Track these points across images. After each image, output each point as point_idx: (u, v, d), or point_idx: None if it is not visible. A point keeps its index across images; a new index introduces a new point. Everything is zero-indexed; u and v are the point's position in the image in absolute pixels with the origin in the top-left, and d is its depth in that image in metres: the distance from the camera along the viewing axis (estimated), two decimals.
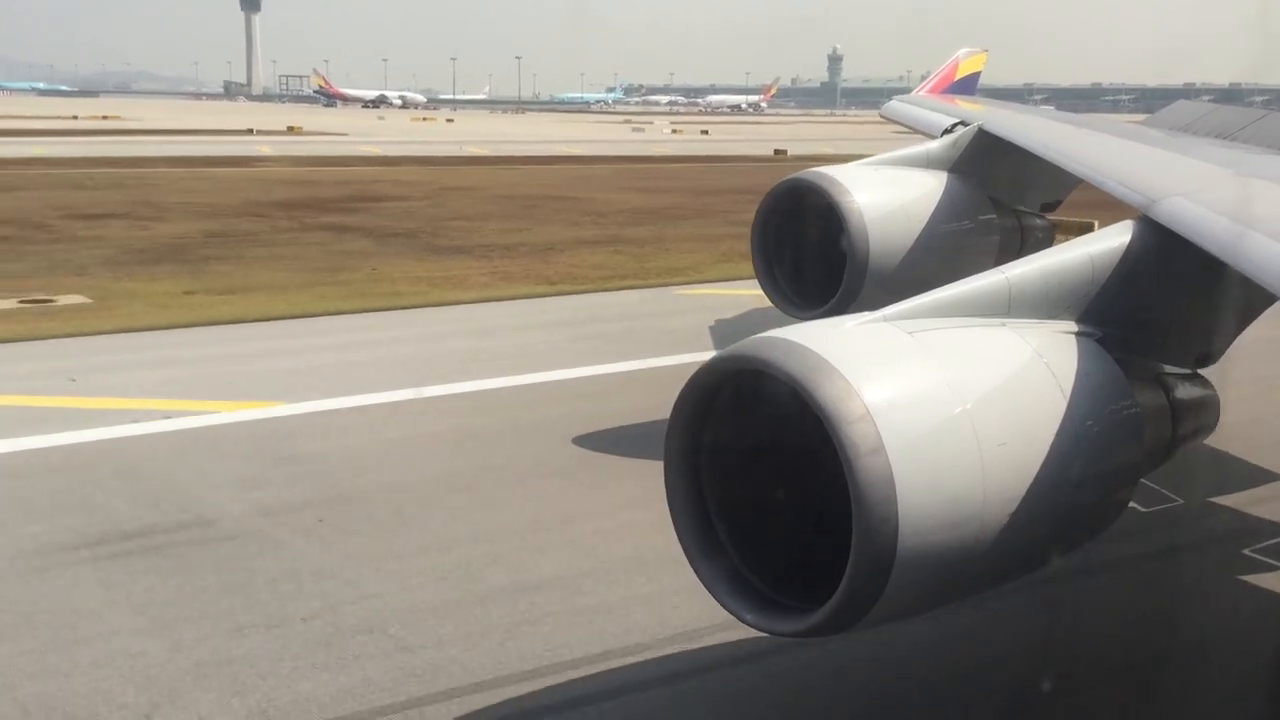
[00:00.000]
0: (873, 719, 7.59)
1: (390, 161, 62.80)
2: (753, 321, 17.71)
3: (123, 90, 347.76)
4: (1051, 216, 13.52)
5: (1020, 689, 7.76)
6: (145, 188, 43.50)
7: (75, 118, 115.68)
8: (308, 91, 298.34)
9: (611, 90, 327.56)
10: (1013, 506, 5.29)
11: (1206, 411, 6.96)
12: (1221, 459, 11.81)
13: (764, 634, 5.76)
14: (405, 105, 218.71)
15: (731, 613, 5.63)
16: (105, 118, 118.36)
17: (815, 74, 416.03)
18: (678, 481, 5.72)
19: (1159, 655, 8.32)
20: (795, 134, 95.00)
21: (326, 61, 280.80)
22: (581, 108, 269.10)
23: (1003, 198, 12.64)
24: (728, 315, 19.58)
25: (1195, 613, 8.94)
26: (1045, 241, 12.61)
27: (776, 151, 71.64)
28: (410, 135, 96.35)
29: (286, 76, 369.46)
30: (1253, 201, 7.00)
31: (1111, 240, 6.44)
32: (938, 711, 7.56)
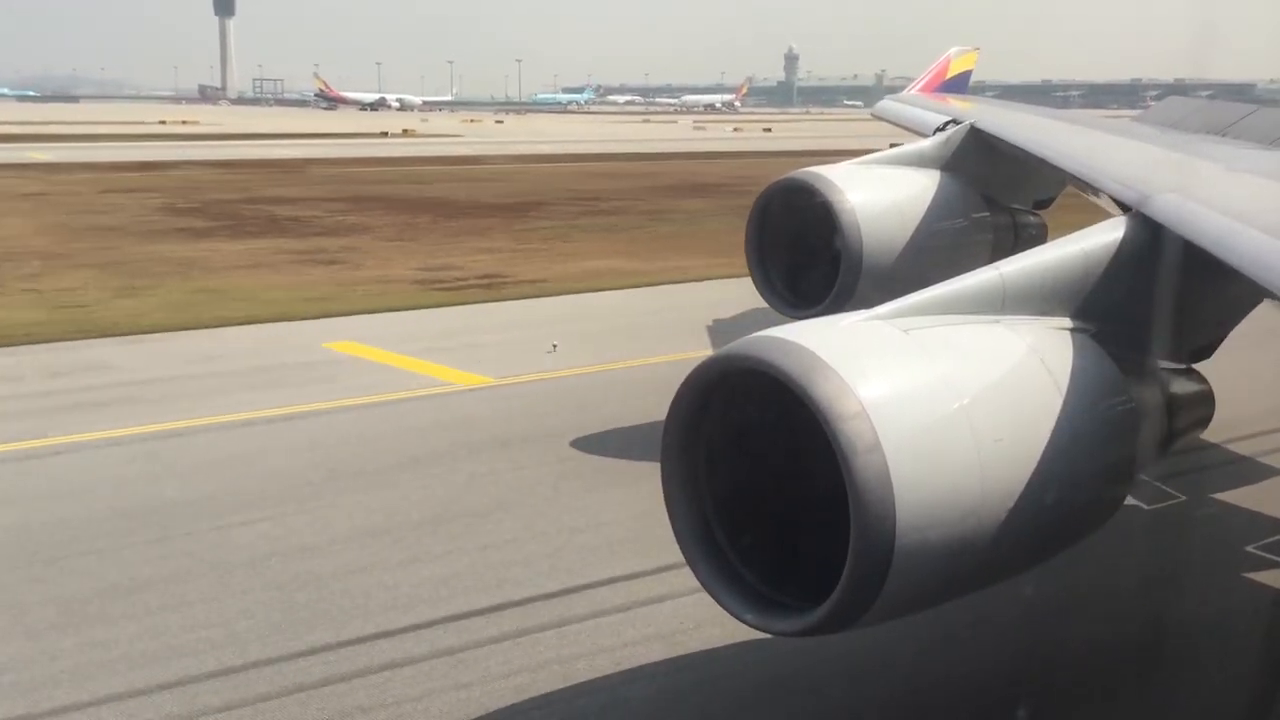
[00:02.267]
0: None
1: (594, 158, 70.07)
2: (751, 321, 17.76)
3: (64, 95, 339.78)
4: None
5: (1018, 688, 7.75)
6: (510, 181, 52.46)
7: (163, 122, 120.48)
8: (289, 95, 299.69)
9: (582, 90, 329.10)
10: (1010, 503, 5.29)
11: (1201, 406, 6.97)
12: (1223, 455, 11.80)
13: (764, 633, 5.77)
14: (403, 108, 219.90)
15: (730, 612, 5.63)
16: (185, 122, 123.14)
17: (771, 73, 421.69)
18: (675, 481, 5.72)
19: (1162, 652, 8.29)
20: (852, 131, 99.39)
21: (316, 65, 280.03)
22: (558, 109, 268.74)
23: (996, 195, 12.66)
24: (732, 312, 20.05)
25: (1198, 609, 8.91)
26: (1039, 238, 12.63)
27: (892, 144, 72.51)
28: (519, 136, 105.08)
29: (261, 80, 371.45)
30: (1245, 197, 7.02)
31: (1105, 236, 6.45)
32: (935, 710, 7.57)
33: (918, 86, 24.18)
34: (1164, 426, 6.54)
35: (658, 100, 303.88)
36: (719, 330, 18.85)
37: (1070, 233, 6.54)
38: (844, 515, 5.00)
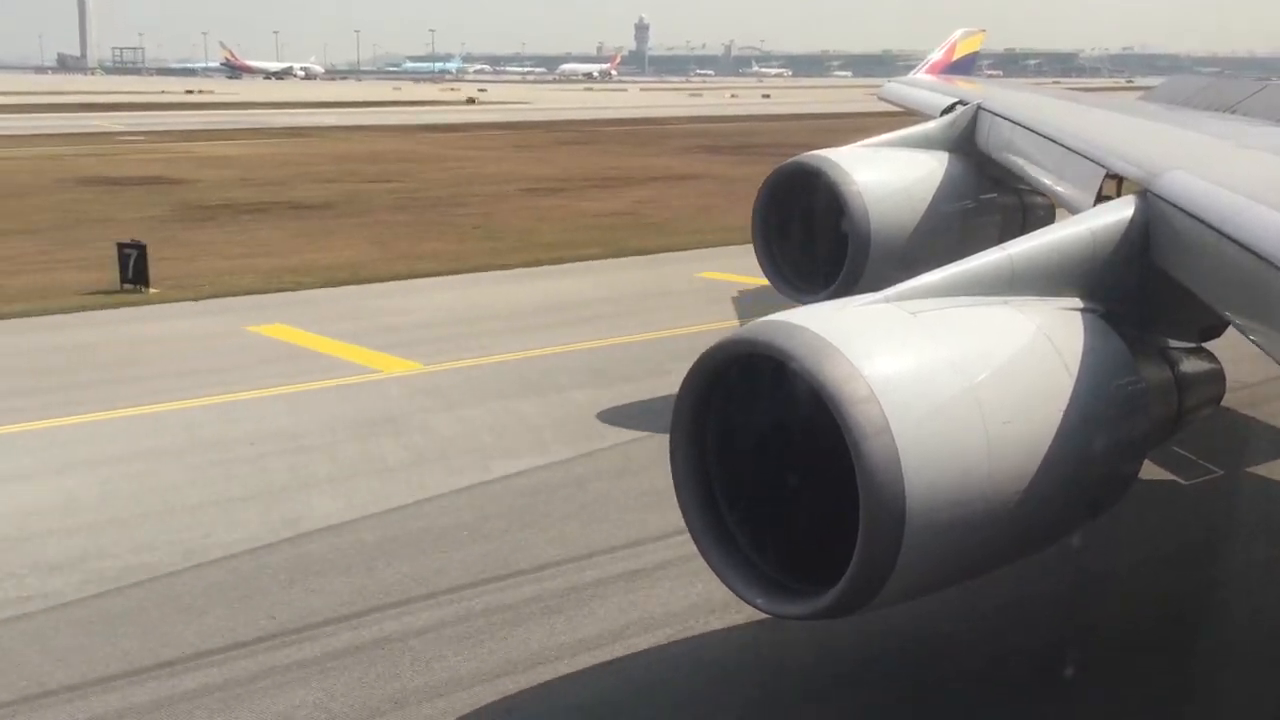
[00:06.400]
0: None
1: (723, 120, 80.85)
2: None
3: None
4: None
5: (1050, 666, 7.67)
6: (774, 134, 58.95)
7: (190, 92, 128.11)
8: (174, 63, 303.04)
9: (450, 59, 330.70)
10: (1020, 484, 5.28)
11: (1212, 385, 6.95)
12: (1262, 429, 11.64)
13: (774, 617, 5.77)
14: (308, 76, 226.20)
15: (741, 597, 5.63)
16: (202, 91, 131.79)
17: (622, 42, 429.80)
18: (684, 467, 5.71)
19: (1200, 630, 8.15)
20: (824, 97, 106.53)
21: (208, 34, 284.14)
22: (436, 76, 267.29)
23: (1002, 176, 12.59)
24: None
25: (1237, 586, 8.74)
26: (1046, 219, 12.54)
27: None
28: (566, 104, 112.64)
29: (120, 48, 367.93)
30: (1254, 174, 6.98)
31: (1113, 215, 6.41)
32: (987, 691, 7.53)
33: (924, 69, 24.06)
34: (1175, 405, 6.52)
35: (508, 70, 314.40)
36: None
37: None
38: (854, 499, 4.99)
